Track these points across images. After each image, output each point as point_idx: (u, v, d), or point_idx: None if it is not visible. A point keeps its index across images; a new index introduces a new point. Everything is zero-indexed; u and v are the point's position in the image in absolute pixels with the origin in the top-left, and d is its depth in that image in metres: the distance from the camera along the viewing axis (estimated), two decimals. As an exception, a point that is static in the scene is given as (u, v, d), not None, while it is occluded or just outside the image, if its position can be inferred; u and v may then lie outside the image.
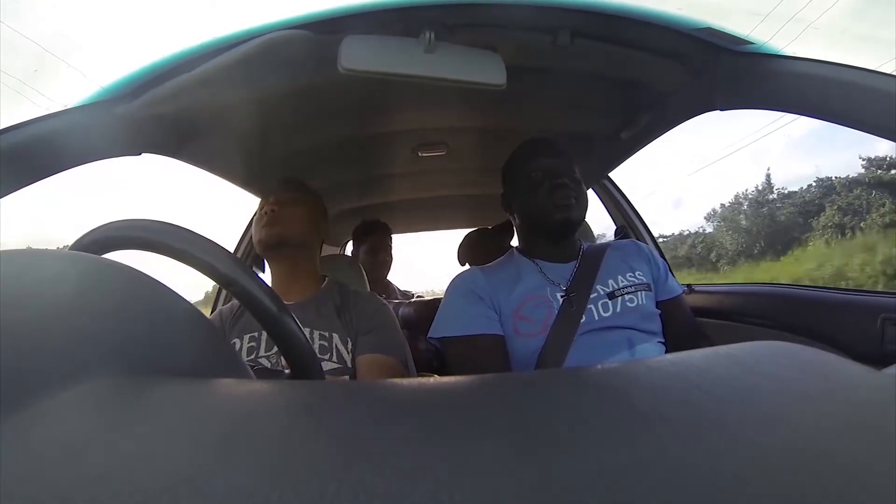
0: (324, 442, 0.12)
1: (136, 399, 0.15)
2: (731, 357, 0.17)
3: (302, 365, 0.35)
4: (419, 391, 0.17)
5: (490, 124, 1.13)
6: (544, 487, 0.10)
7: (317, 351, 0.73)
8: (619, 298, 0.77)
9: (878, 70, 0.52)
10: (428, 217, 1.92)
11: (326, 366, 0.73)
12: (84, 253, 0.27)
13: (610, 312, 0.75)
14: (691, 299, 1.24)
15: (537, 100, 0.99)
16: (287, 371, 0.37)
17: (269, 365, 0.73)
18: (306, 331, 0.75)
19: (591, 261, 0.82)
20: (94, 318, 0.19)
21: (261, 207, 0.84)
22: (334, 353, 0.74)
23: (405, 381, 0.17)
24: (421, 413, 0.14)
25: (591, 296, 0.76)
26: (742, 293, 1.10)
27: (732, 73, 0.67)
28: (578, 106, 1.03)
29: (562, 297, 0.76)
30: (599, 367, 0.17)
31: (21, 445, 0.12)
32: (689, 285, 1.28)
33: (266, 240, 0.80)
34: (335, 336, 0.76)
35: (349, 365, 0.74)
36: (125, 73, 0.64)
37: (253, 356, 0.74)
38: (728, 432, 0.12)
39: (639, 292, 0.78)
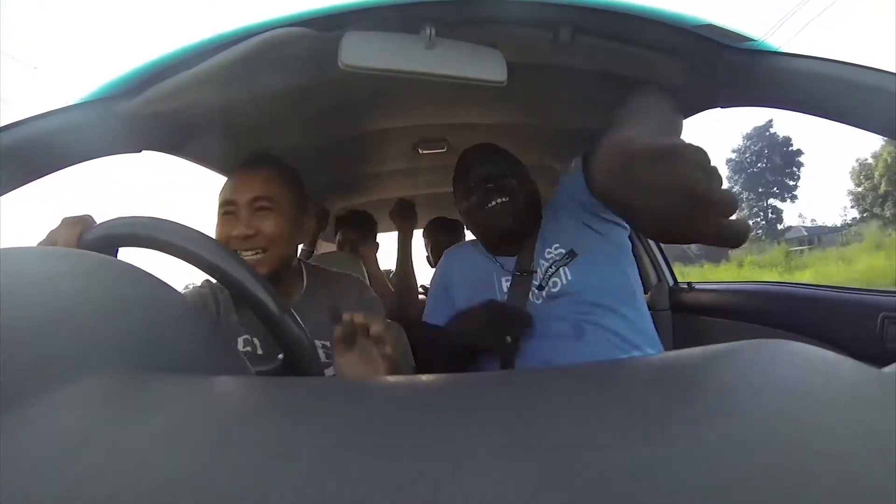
0: (324, 439, 0.12)
1: (136, 396, 0.15)
2: (731, 355, 0.17)
3: (298, 354, 0.36)
4: (419, 388, 0.17)
5: (491, 121, 1.12)
6: (544, 485, 0.10)
7: (322, 359, 0.72)
8: (546, 287, 0.75)
9: (880, 68, 0.51)
10: (428, 215, 1.92)
11: (330, 372, 0.71)
12: (84, 250, 0.27)
13: (542, 301, 0.75)
14: (691, 298, 1.24)
15: (538, 97, 0.99)
16: (280, 357, 0.37)
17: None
18: None
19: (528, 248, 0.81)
20: (94, 316, 0.19)
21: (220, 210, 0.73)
22: None
23: (405, 379, 0.17)
24: (421, 410, 0.14)
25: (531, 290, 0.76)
26: (742, 292, 1.10)
27: (734, 71, 0.67)
28: (579, 103, 1.02)
29: (506, 281, 0.78)
30: (598, 363, 0.17)
31: (21, 443, 0.12)
32: (689, 283, 1.28)
33: None
34: None
35: None
36: (126, 70, 0.64)
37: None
38: (728, 430, 0.12)
39: (560, 269, 0.74)
